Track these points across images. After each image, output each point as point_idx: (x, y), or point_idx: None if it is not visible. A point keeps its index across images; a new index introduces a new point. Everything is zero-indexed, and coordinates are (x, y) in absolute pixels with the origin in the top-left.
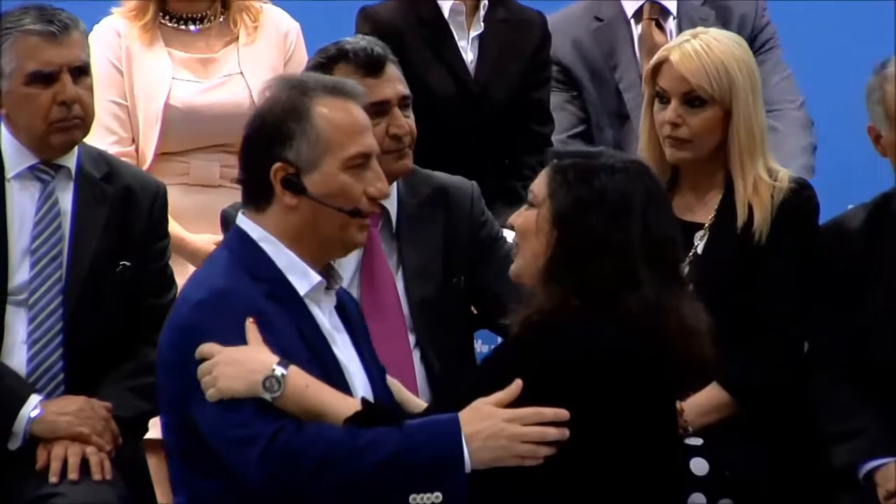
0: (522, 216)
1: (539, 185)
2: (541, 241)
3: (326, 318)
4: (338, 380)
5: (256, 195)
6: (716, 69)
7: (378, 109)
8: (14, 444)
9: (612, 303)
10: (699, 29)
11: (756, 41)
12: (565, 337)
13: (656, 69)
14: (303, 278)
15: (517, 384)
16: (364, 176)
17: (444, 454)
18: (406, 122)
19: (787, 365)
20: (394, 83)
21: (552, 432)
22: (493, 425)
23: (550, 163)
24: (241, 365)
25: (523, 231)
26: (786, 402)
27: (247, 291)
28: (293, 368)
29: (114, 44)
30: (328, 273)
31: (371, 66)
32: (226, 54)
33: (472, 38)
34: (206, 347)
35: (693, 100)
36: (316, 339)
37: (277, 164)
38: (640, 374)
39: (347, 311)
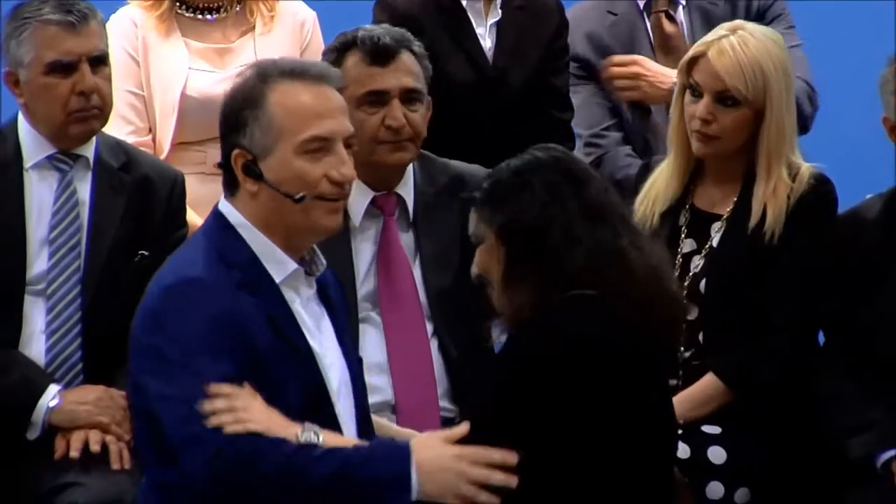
0: (476, 258)
1: (473, 225)
2: (499, 265)
3: (304, 306)
4: (309, 369)
5: (228, 181)
6: (752, 70)
7: (376, 99)
8: (33, 434)
9: (567, 270)
10: (737, 23)
11: (765, 18)
12: (556, 333)
13: (692, 62)
14: (279, 265)
15: (465, 425)
16: (324, 160)
17: (392, 473)
18: (408, 115)
19: (793, 363)
20: (400, 75)
21: (498, 477)
22: (441, 457)
23: (474, 203)
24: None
25: (484, 268)
26: (795, 398)
27: (217, 284)
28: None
29: (130, 34)
30: (311, 259)
31: (377, 55)
32: (242, 44)
33: (490, 25)
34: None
35: (726, 99)
36: (288, 327)
37: (236, 151)
38: (626, 363)
39: (331, 299)
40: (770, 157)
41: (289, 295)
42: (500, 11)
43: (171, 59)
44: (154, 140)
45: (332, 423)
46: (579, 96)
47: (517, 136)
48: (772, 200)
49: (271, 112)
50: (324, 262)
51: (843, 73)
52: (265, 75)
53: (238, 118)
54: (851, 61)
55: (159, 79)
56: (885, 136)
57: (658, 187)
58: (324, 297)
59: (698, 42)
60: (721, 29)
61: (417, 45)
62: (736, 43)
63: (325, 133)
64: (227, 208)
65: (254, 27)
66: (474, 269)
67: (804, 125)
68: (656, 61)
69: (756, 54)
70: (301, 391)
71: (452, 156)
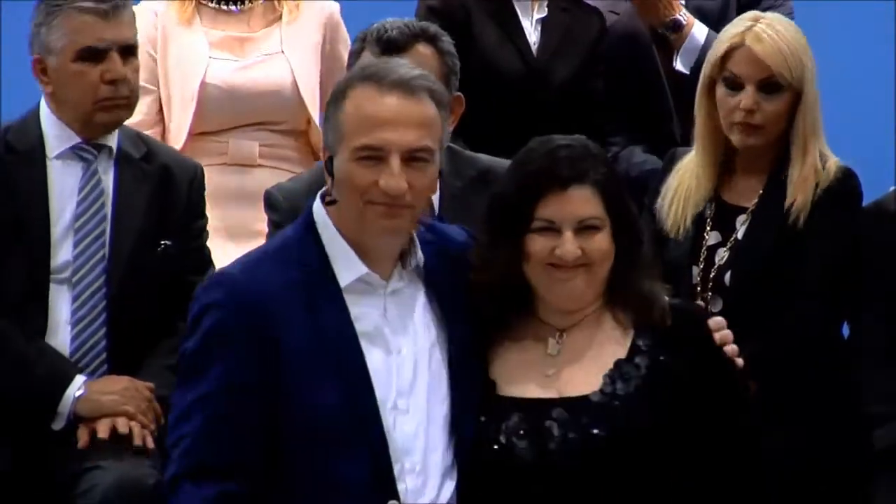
0: (596, 241)
1: (596, 207)
2: (610, 259)
3: (392, 301)
4: (351, 368)
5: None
6: (792, 55)
7: None
8: (58, 425)
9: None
10: (755, 14)
11: (759, 4)
12: None
13: (727, 55)
14: (348, 268)
15: None
16: (377, 168)
17: None
18: None
19: (817, 355)
20: None
21: None
22: None
23: (587, 177)
24: None
25: (605, 254)
26: (819, 389)
27: (252, 279)
28: None
29: (149, 25)
30: (408, 249)
31: (383, 49)
32: (266, 34)
33: (536, 21)
34: None
35: (770, 85)
36: (332, 329)
37: (323, 145)
38: None
39: (438, 285)
40: (807, 138)
41: (359, 298)
42: (546, 9)
43: (191, 48)
44: (164, 132)
45: (372, 418)
46: None
47: (555, 132)
48: (802, 186)
49: (342, 114)
50: (421, 255)
51: (843, 73)
52: (353, 76)
53: (325, 114)
54: (851, 61)
55: (178, 68)
56: (885, 135)
57: (688, 186)
58: (429, 285)
59: (726, 36)
60: (744, 20)
61: (442, 40)
62: (769, 30)
63: (375, 143)
64: (316, 205)
65: (280, 17)
66: (577, 253)
67: None
68: (657, 58)
69: (789, 37)
70: (340, 391)
71: (489, 145)
